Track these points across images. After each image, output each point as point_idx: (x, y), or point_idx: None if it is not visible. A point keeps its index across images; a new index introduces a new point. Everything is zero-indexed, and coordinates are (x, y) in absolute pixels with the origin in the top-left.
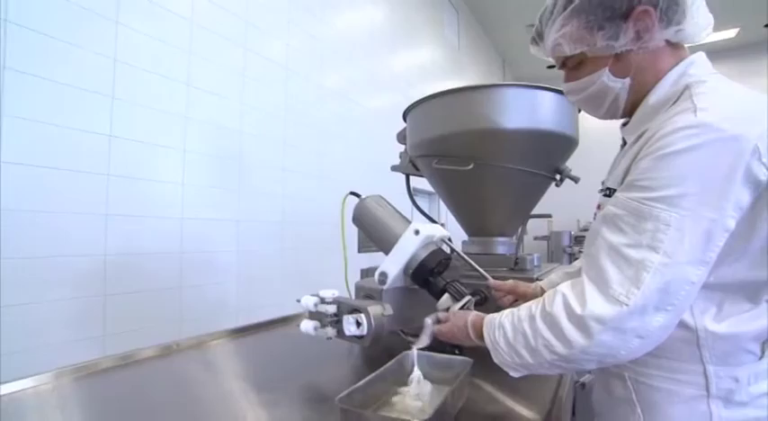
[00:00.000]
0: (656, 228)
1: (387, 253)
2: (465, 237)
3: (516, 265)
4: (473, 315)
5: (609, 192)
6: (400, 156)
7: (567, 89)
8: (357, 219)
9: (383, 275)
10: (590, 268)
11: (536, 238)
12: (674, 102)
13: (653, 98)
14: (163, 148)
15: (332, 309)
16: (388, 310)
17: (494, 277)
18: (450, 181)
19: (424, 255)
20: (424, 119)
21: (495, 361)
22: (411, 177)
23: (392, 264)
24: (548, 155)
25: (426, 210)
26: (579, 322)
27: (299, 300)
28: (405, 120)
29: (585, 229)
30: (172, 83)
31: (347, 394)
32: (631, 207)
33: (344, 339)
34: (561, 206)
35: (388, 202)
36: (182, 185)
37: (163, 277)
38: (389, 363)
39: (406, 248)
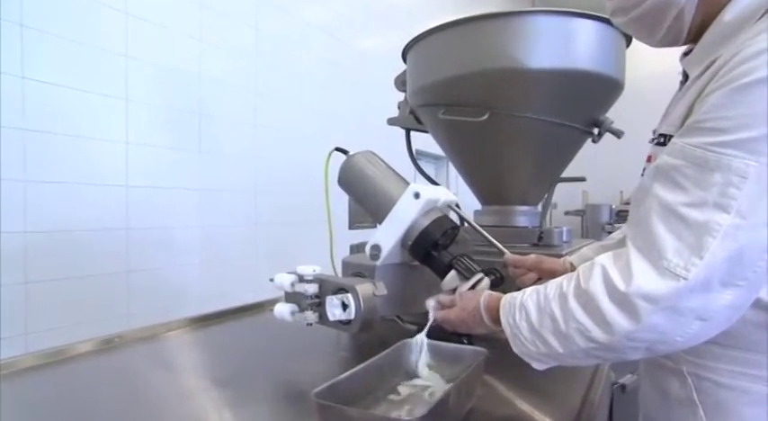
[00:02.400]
0: (727, 182)
1: (380, 221)
2: (478, 206)
3: (541, 240)
4: (486, 295)
5: (663, 140)
6: (399, 107)
7: (614, 6)
8: (344, 181)
9: (376, 248)
10: (637, 235)
11: (567, 213)
12: (759, 17)
13: (729, 14)
14: (97, 96)
15: (312, 288)
16: (381, 290)
17: (514, 253)
18: (459, 136)
19: (425, 223)
20: (427, 58)
21: (516, 350)
22: (413, 134)
23: (387, 235)
24: (583, 102)
25: (432, 177)
26: (623, 301)
27: (272, 279)
28: (404, 60)
29: (629, 202)
30: (102, 8)
31: (327, 387)
32: (694, 155)
33: (328, 326)
34: (599, 170)
35: (381, 159)
36: (125, 144)
37: (103, 260)
38: (384, 353)
39: (405, 215)
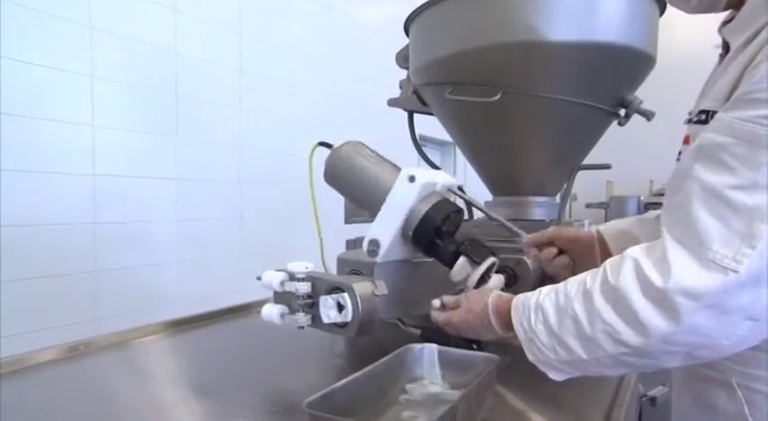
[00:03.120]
0: None
1: (375, 214)
2: (488, 197)
3: None
4: (495, 295)
5: (705, 117)
6: (401, 86)
7: None
8: (331, 176)
9: (374, 244)
10: (675, 224)
11: (589, 206)
12: None
13: None
14: (57, 72)
15: (304, 287)
16: (381, 289)
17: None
18: (468, 118)
19: (425, 208)
20: (433, 30)
21: (531, 358)
22: (416, 116)
23: (385, 227)
24: (609, 79)
25: (438, 164)
26: (660, 298)
27: (259, 278)
28: (407, 33)
29: (661, 194)
30: None
31: (321, 397)
32: (743, 131)
33: (322, 329)
34: (626, 157)
35: (369, 149)
36: (91, 127)
37: (66, 258)
38: (385, 359)
39: (401, 202)
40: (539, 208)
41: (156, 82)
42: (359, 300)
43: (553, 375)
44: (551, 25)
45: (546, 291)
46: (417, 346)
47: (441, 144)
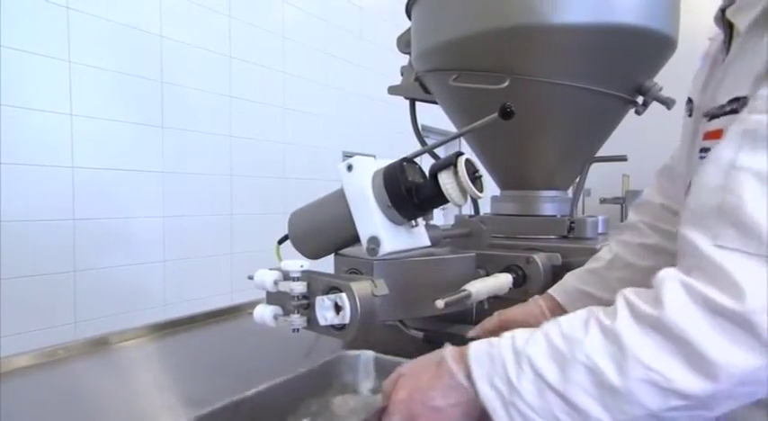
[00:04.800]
0: None
1: (357, 233)
2: (496, 191)
3: (571, 232)
4: (447, 346)
5: (737, 106)
6: (402, 73)
7: None
8: (298, 240)
9: (373, 242)
10: (723, 234)
11: (603, 201)
12: None
13: None
14: (32, 57)
15: (299, 287)
16: (382, 289)
17: (539, 247)
18: (474, 107)
19: (381, 174)
20: (436, 13)
21: None
22: (419, 105)
23: (369, 220)
24: (625, 64)
25: (441, 156)
26: (736, 324)
27: (251, 277)
28: (409, 16)
29: None
30: None
31: (210, 414)
32: None
33: (318, 332)
34: (643, 149)
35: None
36: (69, 116)
37: (44, 257)
38: (310, 369)
39: (359, 190)
40: (549, 203)
41: (139, 68)
42: (357, 300)
43: None
44: (563, 6)
45: (523, 335)
46: (352, 354)
47: (445, 134)
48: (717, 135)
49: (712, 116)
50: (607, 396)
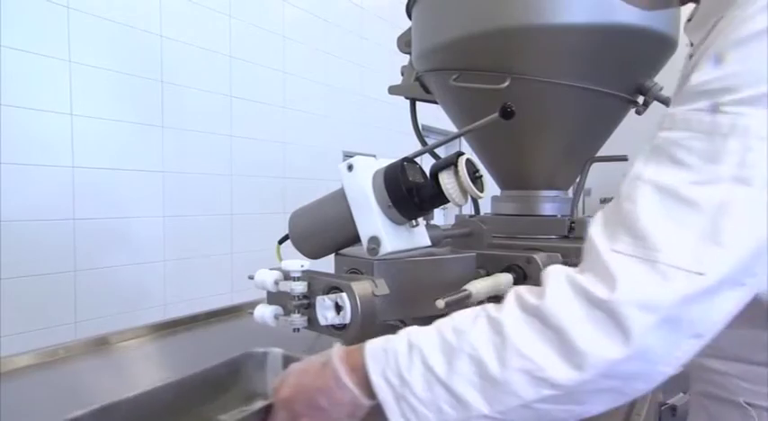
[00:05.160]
0: (747, 147)
1: (357, 233)
2: (496, 191)
3: (572, 232)
4: (338, 345)
5: None
6: (403, 73)
7: None
8: (299, 239)
9: (374, 241)
10: (615, 237)
11: (604, 201)
12: None
13: None
14: (32, 57)
15: (300, 287)
16: (382, 289)
17: (539, 247)
18: (475, 106)
19: (381, 173)
20: (437, 13)
21: None
22: (419, 105)
23: (370, 220)
24: (626, 64)
25: (442, 156)
26: (606, 314)
27: (251, 277)
28: (409, 16)
29: None
30: None
31: (90, 414)
32: (701, 122)
33: (319, 331)
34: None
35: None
36: (69, 116)
37: (44, 256)
38: (214, 366)
39: (360, 190)
40: (550, 203)
41: (139, 68)
42: (358, 300)
43: None
44: (563, 6)
45: (418, 330)
46: (259, 351)
47: (445, 134)
48: None
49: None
50: (488, 386)
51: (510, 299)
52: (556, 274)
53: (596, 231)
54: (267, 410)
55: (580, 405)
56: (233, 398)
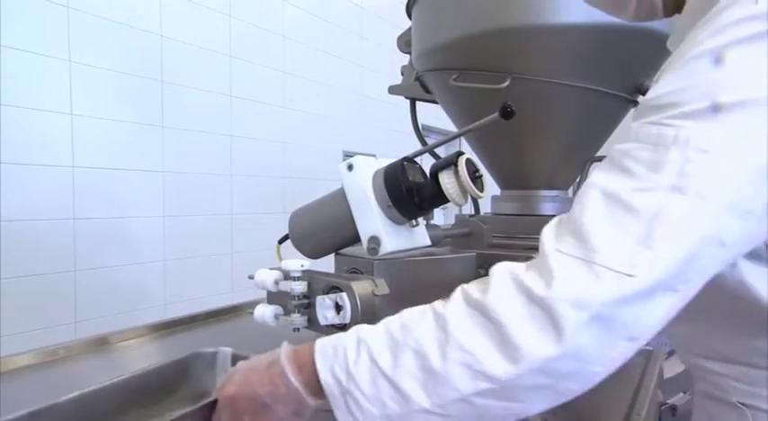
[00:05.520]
0: (686, 158)
1: (357, 233)
2: (496, 190)
3: None
4: (285, 345)
5: None
6: (403, 73)
7: None
8: (298, 238)
9: (374, 241)
10: (561, 237)
11: None
12: None
13: None
14: (32, 56)
15: (300, 287)
16: (382, 288)
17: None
18: (475, 106)
19: (381, 173)
20: (437, 13)
21: (341, 418)
22: (419, 104)
23: (370, 219)
24: (626, 64)
25: (442, 156)
26: (541, 310)
27: (251, 277)
28: (409, 16)
29: None
30: None
31: (29, 415)
32: (649, 134)
33: (319, 331)
34: None
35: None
36: (69, 116)
37: (44, 256)
38: (159, 366)
39: (360, 189)
40: (549, 203)
41: (139, 67)
42: (358, 300)
43: None
44: (563, 6)
45: (368, 327)
46: (209, 351)
47: (445, 134)
48: None
49: None
50: (429, 379)
51: (456, 294)
52: (501, 270)
53: (547, 232)
54: (212, 407)
55: (517, 402)
56: (180, 398)
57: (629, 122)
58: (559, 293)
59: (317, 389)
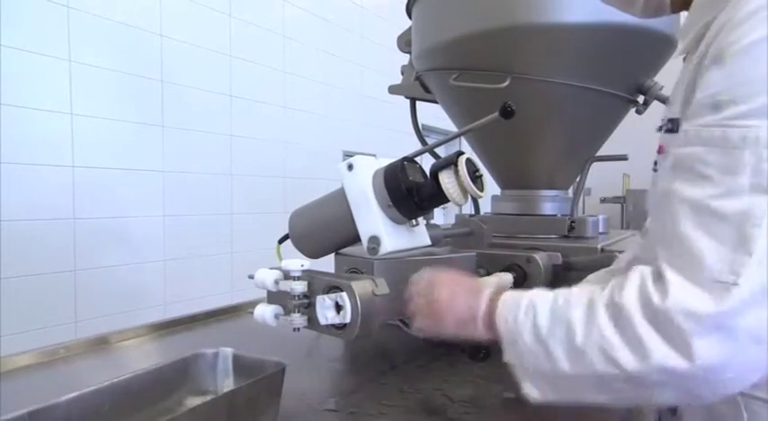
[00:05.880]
0: (759, 157)
1: (357, 232)
2: (497, 190)
3: (572, 231)
4: (490, 287)
5: (673, 126)
6: (403, 72)
7: None
8: (298, 237)
9: (374, 241)
10: (667, 248)
11: (604, 200)
12: None
13: None
14: (33, 56)
15: (300, 286)
16: (382, 288)
17: (540, 247)
18: (475, 106)
19: (381, 173)
20: (437, 12)
21: (508, 359)
22: (419, 104)
23: (370, 219)
24: (626, 64)
25: (442, 156)
26: (661, 319)
27: (251, 276)
28: (409, 15)
29: None
30: None
31: (29, 414)
32: (712, 137)
33: (319, 331)
34: (644, 148)
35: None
36: (69, 115)
37: (44, 256)
38: (159, 366)
39: (360, 189)
40: (550, 202)
41: (139, 67)
42: (358, 300)
43: (528, 389)
44: (563, 6)
45: (543, 292)
46: (209, 352)
47: (445, 134)
48: (660, 149)
49: (659, 129)
50: (572, 350)
51: (609, 285)
52: (637, 272)
53: (653, 239)
54: (211, 406)
55: (649, 391)
56: (180, 398)
57: (630, 122)
58: (674, 306)
59: (491, 328)
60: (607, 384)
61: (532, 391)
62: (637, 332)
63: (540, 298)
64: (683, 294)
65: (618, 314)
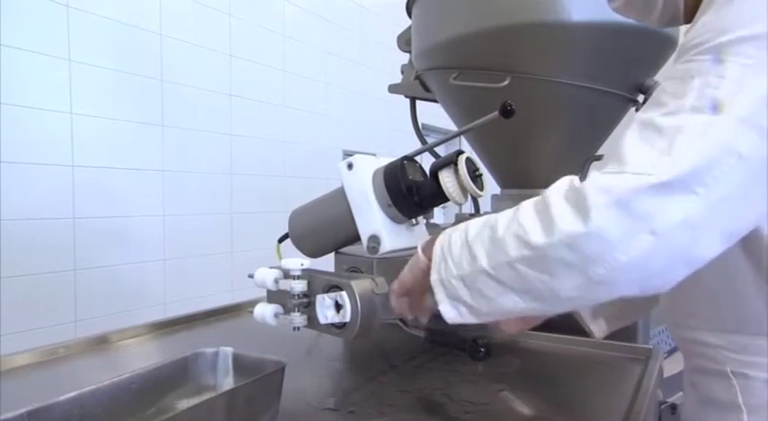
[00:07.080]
0: (705, 84)
1: (357, 232)
2: (496, 190)
3: None
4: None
5: None
6: (403, 71)
7: None
8: (297, 236)
9: (374, 240)
10: (603, 163)
11: None
12: None
13: None
14: (32, 55)
15: (300, 286)
16: (382, 287)
17: None
18: (475, 105)
19: (381, 172)
20: (437, 11)
21: (432, 278)
22: (419, 103)
23: (369, 218)
24: (627, 63)
25: (442, 155)
26: (575, 195)
27: (251, 276)
28: (409, 14)
29: None
30: None
31: (28, 414)
32: (677, 70)
33: (319, 330)
34: None
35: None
36: (69, 115)
37: (44, 255)
38: (159, 365)
39: (360, 188)
40: None
41: (139, 66)
42: (358, 299)
43: (442, 303)
44: (563, 5)
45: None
46: (209, 351)
47: (445, 133)
48: None
49: None
50: (492, 243)
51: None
52: (568, 176)
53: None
54: (211, 406)
55: (550, 273)
56: (180, 398)
57: (629, 122)
58: (590, 183)
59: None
60: (516, 272)
61: (449, 312)
62: (551, 211)
63: (479, 218)
64: (602, 178)
65: (539, 203)
